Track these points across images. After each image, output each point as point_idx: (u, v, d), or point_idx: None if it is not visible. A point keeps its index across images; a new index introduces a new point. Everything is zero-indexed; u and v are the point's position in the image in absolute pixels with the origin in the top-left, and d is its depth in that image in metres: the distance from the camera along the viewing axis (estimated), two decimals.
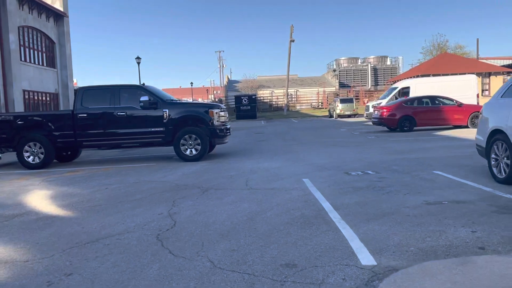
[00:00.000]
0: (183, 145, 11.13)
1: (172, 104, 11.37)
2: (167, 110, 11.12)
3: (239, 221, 5.10)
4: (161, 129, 11.13)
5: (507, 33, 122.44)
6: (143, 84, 11.74)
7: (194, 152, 11.16)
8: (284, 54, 40.43)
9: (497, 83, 32.21)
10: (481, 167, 8.18)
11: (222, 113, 11.58)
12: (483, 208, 5.05)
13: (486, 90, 32.01)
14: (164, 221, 5.29)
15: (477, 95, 23.95)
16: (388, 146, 12.89)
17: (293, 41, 40.18)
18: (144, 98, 11.00)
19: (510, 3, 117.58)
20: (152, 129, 11.16)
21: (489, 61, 38.89)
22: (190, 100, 60.27)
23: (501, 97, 6.64)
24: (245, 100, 37.65)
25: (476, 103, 22.22)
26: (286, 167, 9.50)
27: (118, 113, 11.15)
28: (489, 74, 32.11)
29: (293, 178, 8.02)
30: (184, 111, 11.25)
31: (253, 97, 38.85)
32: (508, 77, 37.62)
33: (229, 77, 70.61)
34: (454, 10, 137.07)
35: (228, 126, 11.94)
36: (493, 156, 6.62)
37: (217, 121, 11.37)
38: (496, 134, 6.51)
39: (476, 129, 17.21)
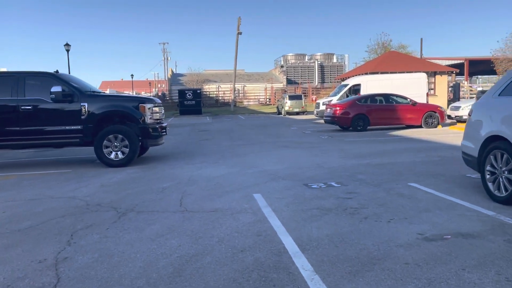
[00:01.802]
0: (107, 147, 9.10)
1: (93, 97, 9.26)
2: (86, 104, 9.01)
3: (160, 276, 3.34)
4: (79, 127, 9.01)
5: (449, 34, 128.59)
6: (56, 71, 9.52)
7: (120, 155, 9.16)
8: (231, 48, 38.63)
9: (442, 82, 32.56)
10: (461, 177, 6.99)
11: (156, 109, 9.66)
12: (505, 249, 3.66)
13: (432, 89, 32.17)
14: (42, 276, 3.41)
15: (427, 94, 23.66)
16: (346, 148, 11.61)
17: (240, 33, 38.43)
18: (56, 88, 8.82)
19: (453, 5, 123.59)
20: (67, 127, 9.01)
21: (432, 61, 39.49)
22: (131, 93, 56.85)
23: (499, 95, 5.38)
24: (189, 95, 35.34)
25: (425, 102, 21.85)
26: (232, 176, 7.82)
27: (23, 107, 8.88)
28: (434, 74, 32.33)
29: (241, 193, 6.36)
30: (108, 106, 9.20)
31: (198, 91, 36.64)
32: (450, 78, 38.33)
33: (174, 70, 67.64)
34: (399, 10, 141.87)
35: (164, 125, 10.03)
36: (488, 168, 5.34)
37: (150, 118, 9.43)
38: (494, 142, 5.23)
39: (429, 129, 16.28)
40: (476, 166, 5.59)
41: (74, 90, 9.02)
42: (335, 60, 62.19)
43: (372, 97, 17.86)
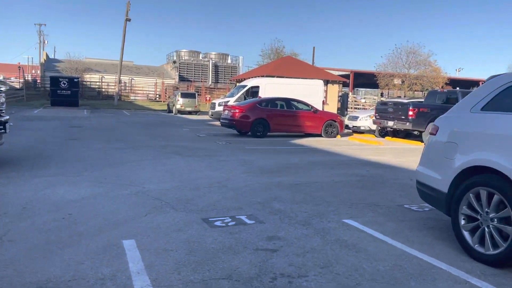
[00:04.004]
0: None
1: None
2: None
3: None
4: None
5: (337, 47, 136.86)
6: None
7: None
8: (119, 37, 34.36)
9: (333, 91, 33.11)
10: (400, 210, 5.53)
11: None
12: None
13: (323, 97, 32.50)
14: None
15: (323, 102, 23.28)
16: (248, 159, 9.75)
17: (129, 20, 34.50)
18: None
19: (342, 20, 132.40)
20: None
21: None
22: None
23: (482, 109, 3.91)
24: (64, 83, 30.34)
25: (322, 109, 21.32)
26: (97, 200, 5.35)
27: None
28: (327, 82, 32.72)
29: (103, 238, 3.99)
30: None
31: (75, 80, 31.75)
32: (336, 86, 39.32)
33: (50, 55, 59.84)
34: (292, 20, 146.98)
35: (3, 118, 7.05)
36: (465, 211, 3.83)
37: None
38: (477, 175, 3.73)
39: (329, 139, 15.08)
40: (444, 205, 4.06)
41: None
42: (229, 61, 61.04)
43: (273, 101, 16.42)
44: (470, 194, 3.76)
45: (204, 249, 3.80)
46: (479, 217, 3.70)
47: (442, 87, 36.15)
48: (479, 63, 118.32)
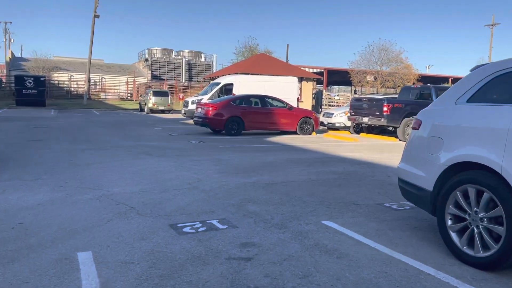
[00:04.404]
0: None
1: None
2: None
3: None
4: None
5: (311, 45, 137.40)
6: None
7: None
8: (88, 35, 33.12)
9: (307, 88, 33.03)
10: (381, 209, 5.28)
11: None
12: None
13: (298, 94, 32.37)
14: None
15: (297, 99, 23.10)
16: (222, 157, 9.37)
17: (97, 16, 33.37)
18: None
19: (316, 17, 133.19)
20: None
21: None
22: None
23: (468, 101, 3.66)
24: (29, 82, 29.03)
25: (296, 106, 21.12)
26: (54, 206, 4.87)
27: None
28: (301, 79, 32.59)
29: (55, 250, 3.55)
30: None
31: (42, 79, 30.44)
32: (311, 84, 39.31)
33: (16, 53, 57.66)
34: (265, 18, 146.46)
35: None
36: (451, 210, 3.58)
37: None
38: (465, 172, 3.48)
39: (305, 136, 14.83)
40: (429, 204, 3.81)
41: None
42: (203, 59, 60.29)
43: (247, 99, 16.06)
44: (458, 192, 3.51)
45: (170, 260, 3.41)
46: (467, 217, 3.45)
47: (413, 83, 36.61)
48: (448, 61, 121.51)
